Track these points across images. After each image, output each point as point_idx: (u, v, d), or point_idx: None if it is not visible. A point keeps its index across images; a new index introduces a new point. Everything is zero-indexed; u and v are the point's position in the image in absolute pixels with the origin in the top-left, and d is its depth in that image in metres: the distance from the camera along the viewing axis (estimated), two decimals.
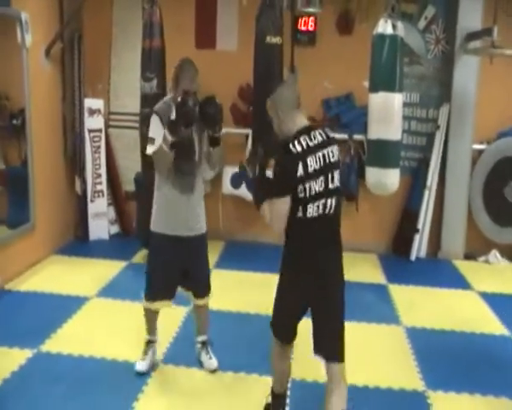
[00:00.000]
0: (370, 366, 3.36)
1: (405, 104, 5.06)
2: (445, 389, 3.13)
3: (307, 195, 2.31)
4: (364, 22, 4.97)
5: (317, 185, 2.32)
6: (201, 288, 3.18)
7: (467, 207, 5.34)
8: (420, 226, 5.26)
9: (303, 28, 5.24)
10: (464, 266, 5.22)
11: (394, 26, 4.10)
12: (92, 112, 5.29)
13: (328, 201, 2.37)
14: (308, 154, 2.32)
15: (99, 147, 5.36)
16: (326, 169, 2.36)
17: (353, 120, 5.21)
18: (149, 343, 3.23)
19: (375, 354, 3.54)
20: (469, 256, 5.39)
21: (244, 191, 5.17)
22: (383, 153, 4.33)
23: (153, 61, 4.52)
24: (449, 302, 4.44)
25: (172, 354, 3.41)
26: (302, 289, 2.45)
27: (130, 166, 5.38)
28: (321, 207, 2.36)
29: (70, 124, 5.35)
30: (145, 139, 3.10)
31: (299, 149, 2.30)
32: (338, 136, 5.18)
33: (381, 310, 4.22)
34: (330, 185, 2.36)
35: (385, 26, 4.10)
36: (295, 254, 2.46)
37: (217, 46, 5.48)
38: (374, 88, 4.26)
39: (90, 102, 5.31)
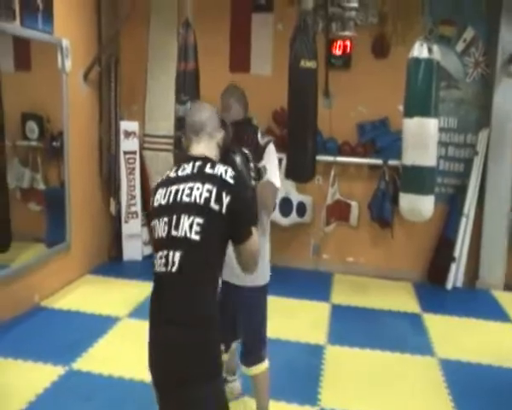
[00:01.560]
0: (402, 398, 3.25)
1: (442, 129, 4.97)
2: None
3: (156, 237, 1.88)
4: (401, 45, 4.91)
5: (160, 228, 1.84)
6: (247, 353, 2.72)
7: (507, 236, 5.15)
8: (456, 255, 5.10)
9: (338, 52, 5.23)
10: (504, 298, 5.01)
11: (430, 50, 4.04)
12: (128, 134, 5.39)
13: (171, 254, 1.78)
14: (162, 185, 1.91)
15: (133, 169, 5.44)
16: (172, 209, 1.82)
17: (388, 145, 5.13)
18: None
19: (408, 385, 3.42)
20: (510, 287, 5.19)
21: (276, 215, 5.13)
22: (418, 179, 4.24)
23: (187, 84, 4.56)
24: (487, 335, 4.26)
25: None
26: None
27: None
28: (163, 260, 1.81)
29: (106, 146, 5.46)
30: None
31: (161, 178, 1.96)
32: (372, 161, 5.16)
33: (415, 340, 4.08)
34: (173, 232, 1.78)
35: (420, 50, 4.04)
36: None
37: (251, 70, 5.52)
38: (409, 113, 4.19)
39: (125, 125, 5.41)
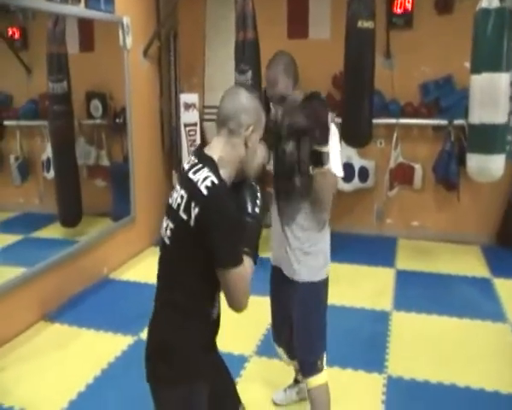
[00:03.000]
0: (473, 367, 3.17)
1: None
2: None
3: None
4: None
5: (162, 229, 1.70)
6: (300, 358, 2.38)
7: None
8: None
9: (398, 11, 5.02)
10: None
11: None
12: (188, 106, 5.43)
13: (164, 255, 1.70)
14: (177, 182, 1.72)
15: (194, 140, 5.50)
16: (169, 213, 1.66)
17: (453, 104, 4.91)
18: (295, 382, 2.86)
19: (479, 353, 3.33)
20: None
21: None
22: (487, 138, 4.04)
23: (247, 54, 4.54)
24: None
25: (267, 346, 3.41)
26: None
27: None
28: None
29: (167, 119, 5.56)
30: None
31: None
32: (437, 122, 4.97)
33: (486, 306, 3.96)
34: (167, 236, 1.65)
35: (490, 0, 3.81)
36: None
37: (309, 35, 5.41)
38: (477, 69, 3.98)
39: (185, 97, 5.46)
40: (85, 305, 4.07)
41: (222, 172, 1.60)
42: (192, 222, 1.53)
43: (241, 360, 3.25)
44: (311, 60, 5.14)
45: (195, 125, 5.49)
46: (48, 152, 5.40)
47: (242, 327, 3.37)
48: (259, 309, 3.38)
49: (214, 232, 1.53)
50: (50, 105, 5.08)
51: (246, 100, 1.68)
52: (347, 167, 5.06)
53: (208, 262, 1.56)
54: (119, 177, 5.24)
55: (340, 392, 2.60)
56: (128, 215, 5.01)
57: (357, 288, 4.25)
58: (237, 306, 1.61)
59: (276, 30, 5.31)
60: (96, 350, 3.43)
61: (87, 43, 5.59)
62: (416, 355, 3.29)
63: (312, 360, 2.29)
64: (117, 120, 5.37)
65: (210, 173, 1.57)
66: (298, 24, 5.39)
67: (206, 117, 5.75)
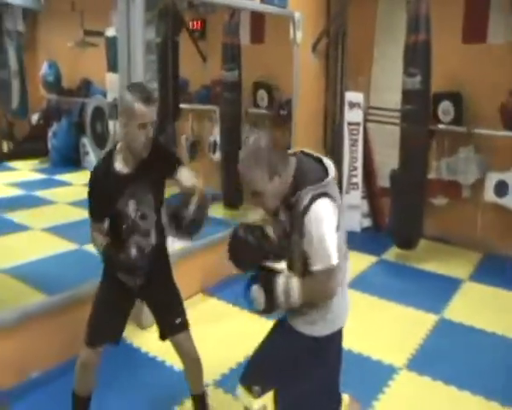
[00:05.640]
0: None
1: None
2: None
3: None
4: None
5: None
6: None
7: None
8: None
9: None
10: None
11: None
12: (352, 105, 5.39)
13: None
14: None
15: (356, 140, 5.44)
16: None
17: None
18: None
19: None
20: None
21: (509, 201, 4.68)
22: None
23: (417, 57, 4.38)
24: None
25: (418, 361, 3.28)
26: None
27: (386, 162, 5.29)
28: None
29: (331, 115, 5.56)
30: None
31: None
32: None
33: None
34: None
35: None
36: None
37: (488, 39, 5.03)
38: None
39: (350, 96, 5.42)
40: (240, 284, 4.19)
41: None
42: None
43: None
44: (488, 66, 4.84)
45: (358, 124, 5.43)
46: (215, 135, 5.71)
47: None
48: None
49: None
50: (222, 92, 5.36)
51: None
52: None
53: None
54: None
55: None
56: None
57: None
58: None
59: (450, 33, 5.00)
60: (249, 330, 3.48)
61: (258, 35, 5.80)
62: None
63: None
64: (281, 112, 5.50)
65: None
66: (475, 27, 4.99)
67: (370, 117, 5.66)
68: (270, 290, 1.88)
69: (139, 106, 2.01)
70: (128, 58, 3.14)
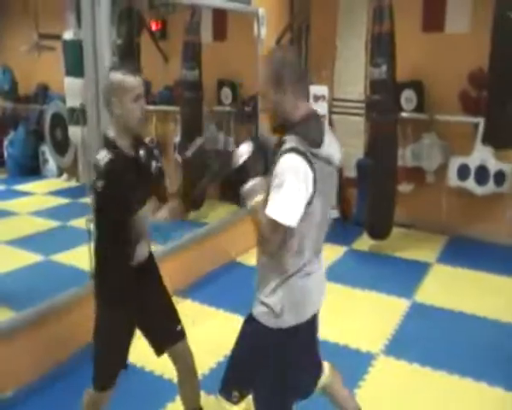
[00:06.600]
0: None
1: None
2: None
3: None
4: None
5: None
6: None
7: None
8: None
9: None
10: None
11: None
12: (317, 98, 5.41)
13: None
14: None
15: None
16: None
17: None
18: None
19: None
20: None
21: (471, 184, 4.81)
22: None
23: (382, 47, 4.45)
24: None
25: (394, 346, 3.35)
26: None
27: (351, 153, 5.38)
28: None
29: None
30: None
31: None
32: None
33: None
34: None
35: None
36: None
37: (446, 28, 5.15)
38: None
39: (315, 89, 5.44)
40: (215, 285, 4.22)
41: None
42: None
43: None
44: (446, 55, 4.97)
45: (324, 117, 5.47)
46: (179, 136, 5.67)
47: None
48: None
49: None
50: (183, 91, 5.33)
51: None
52: (481, 170, 4.79)
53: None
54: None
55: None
56: None
57: (489, 298, 3.98)
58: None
59: (410, 22, 5.10)
60: (225, 330, 3.49)
61: (220, 32, 5.79)
62: None
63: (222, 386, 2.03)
64: (246, 109, 5.51)
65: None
66: (434, 16, 5.12)
67: (335, 110, 5.71)
68: (246, 172, 1.80)
69: (129, 78, 2.01)
70: (95, 61, 3.08)
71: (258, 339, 1.94)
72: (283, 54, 1.86)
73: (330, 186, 1.88)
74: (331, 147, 1.83)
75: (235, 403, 1.99)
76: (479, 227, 5.08)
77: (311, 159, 1.72)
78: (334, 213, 5.68)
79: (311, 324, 1.99)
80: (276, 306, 1.86)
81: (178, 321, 2.32)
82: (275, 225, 1.71)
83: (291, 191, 1.69)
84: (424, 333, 3.47)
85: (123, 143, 2.06)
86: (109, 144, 2.04)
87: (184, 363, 2.33)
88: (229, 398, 1.99)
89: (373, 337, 3.41)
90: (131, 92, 2.01)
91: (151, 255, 2.28)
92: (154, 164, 2.19)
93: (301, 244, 1.82)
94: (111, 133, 2.08)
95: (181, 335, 2.32)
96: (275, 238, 1.75)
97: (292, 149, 1.72)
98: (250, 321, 1.97)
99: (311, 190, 1.73)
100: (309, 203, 1.74)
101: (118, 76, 2.02)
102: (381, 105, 4.51)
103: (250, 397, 2.02)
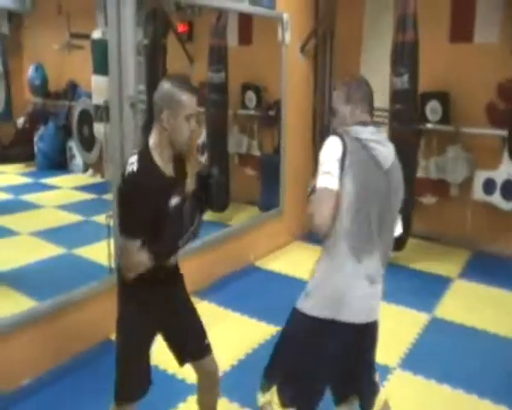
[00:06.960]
0: None
1: None
2: None
3: None
4: None
5: None
6: None
7: None
8: None
9: None
10: None
11: None
12: None
13: None
14: None
15: None
16: None
17: None
18: None
19: None
20: None
21: (497, 198, 4.71)
22: None
23: (405, 56, 4.40)
24: None
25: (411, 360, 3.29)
26: None
27: None
28: None
29: (319, 116, 5.56)
30: None
31: None
32: None
33: None
34: None
35: None
36: None
37: (474, 39, 5.08)
38: None
39: None
40: (232, 288, 4.23)
41: None
42: None
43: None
44: (474, 66, 4.90)
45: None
46: (203, 137, 5.69)
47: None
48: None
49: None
50: (208, 93, 5.35)
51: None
52: (508, 185, 4.68)
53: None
54: (269, 168, 5.35)
55: None
56: (276, 207, 5.11)
57: (511, 318, 3.87)
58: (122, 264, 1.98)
59: (437, 32, 5.04)
60: (241, 334, 3.54)
61: (246, 36, 5.80)
62: None
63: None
64: (269, 113, 5.51)
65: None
66: (462, 26, 5.04)
67: None
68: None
69: (187, 96, 1.89)
70: (119, 60, 3.11)
71: (293, 326, 2.09)
72: (363, 80, 2.15)
73: (375, 185, 1.94)
74: (381, 146, 1.96)
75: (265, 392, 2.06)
76: (504, 243, 4.97)
77: (345, 137, 1.89)
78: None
79: (350, 335, 1.96)
80: (311, 284, 2.02)
81: (206, 334, 2.26)
82: (319, 195, 1.87)
83: (325, 164, 1.88)
84: (443, 349, 3.40)
85: (160, 155, 1.94)
86: (143, 154, 1.92)
87: (209, 376, 2.29)
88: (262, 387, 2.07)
89: (390, 350, 3.35)
90: (187, 110, 1.90)
91: (177, 266, 2.24)
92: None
93: (339, 229, 1.91)
94: (151, 140, 1.95)
95: (208, 349, 2.26)
96: (321, 209, 1.87)
97: (335, 133, 1.95)
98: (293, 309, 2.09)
99: (339, 155, 1.86)
100: (339, 178, 1.86)
101: (176, 90, 1.89)
102: (402, 115, 4.47)
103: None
